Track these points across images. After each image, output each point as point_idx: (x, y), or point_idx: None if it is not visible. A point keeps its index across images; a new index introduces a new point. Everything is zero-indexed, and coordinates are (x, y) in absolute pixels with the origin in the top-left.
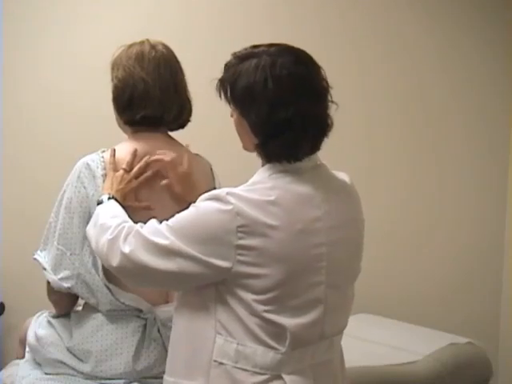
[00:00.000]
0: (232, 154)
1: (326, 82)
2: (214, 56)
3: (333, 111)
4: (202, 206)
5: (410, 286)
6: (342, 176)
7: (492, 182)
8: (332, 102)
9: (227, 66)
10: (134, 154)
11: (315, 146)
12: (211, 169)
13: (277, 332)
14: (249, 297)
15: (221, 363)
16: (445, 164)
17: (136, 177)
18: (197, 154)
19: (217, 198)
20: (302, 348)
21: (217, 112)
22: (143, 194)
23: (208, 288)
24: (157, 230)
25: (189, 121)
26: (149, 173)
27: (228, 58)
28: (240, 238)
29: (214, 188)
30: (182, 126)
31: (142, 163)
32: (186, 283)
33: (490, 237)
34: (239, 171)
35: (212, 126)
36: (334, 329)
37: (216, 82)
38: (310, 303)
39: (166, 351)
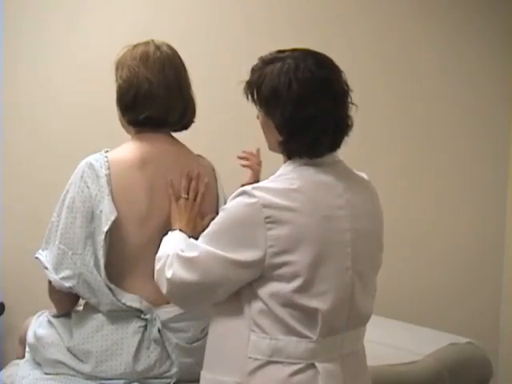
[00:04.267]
0: (232, 154)
1: (347, 85)
2: (214, 56)
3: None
4: (230, 205)
5: (410, 285)
6: (360, 173)
7: (492, 182)
8: (352, 103)
9: (253, 70)
10: (188, 177)
11: (335, 144)
12: (213, 169)
13: (308, 318)
14: (281, 287)
15: (256, 359)
16: (445, 164)
17: (194, 198)
18: (199, 155)
19: (242, 193)
20: (332, 336)
21: (216, 112)
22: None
23: (242, 287)
24: (191, 245)
25: (192, 121)
26: (202, 189)
27: (227, 58)
28: (269, 229)
29: (217, 189)
30: (186, 126)
31: (193, 184)
32: (227, 287)
33: (490, 237)
34: (239, 171)
35: (211, 126)
36: (359, 316)
37: (243, 84)
38: (339, 288)
39: (167, 352)
